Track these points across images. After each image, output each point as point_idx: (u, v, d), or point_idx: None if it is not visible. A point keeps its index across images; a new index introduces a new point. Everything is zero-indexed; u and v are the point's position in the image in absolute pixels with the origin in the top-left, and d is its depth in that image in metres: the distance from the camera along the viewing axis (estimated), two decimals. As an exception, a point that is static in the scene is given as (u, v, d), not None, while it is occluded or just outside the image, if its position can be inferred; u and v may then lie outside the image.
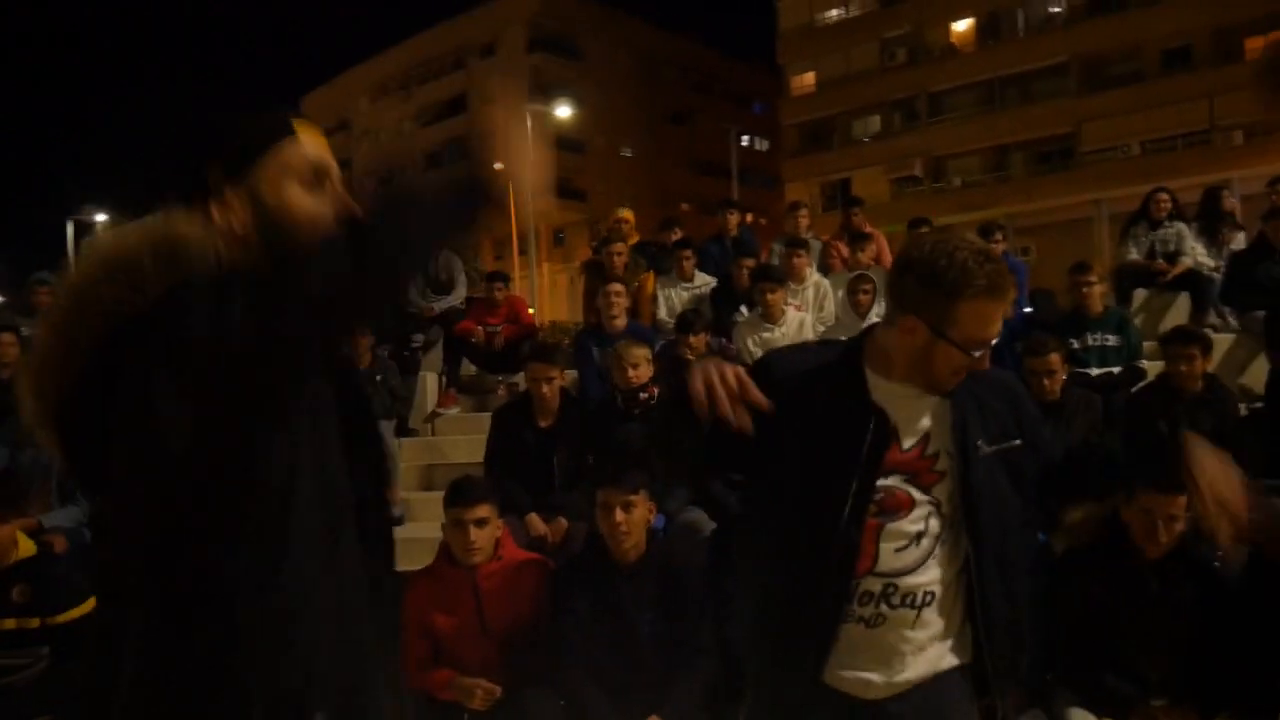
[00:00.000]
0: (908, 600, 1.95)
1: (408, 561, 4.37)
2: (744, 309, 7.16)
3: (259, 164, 1.27)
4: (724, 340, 6.83)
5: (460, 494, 3.62)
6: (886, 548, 1.95)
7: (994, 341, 2.08)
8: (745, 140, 44.79)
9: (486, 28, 47.01)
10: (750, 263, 7.55)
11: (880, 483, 1.94)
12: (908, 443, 1.97)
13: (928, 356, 1.90)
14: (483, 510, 3.58)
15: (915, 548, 1.96)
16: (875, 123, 38.02)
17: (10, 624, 3.57)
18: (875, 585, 1.95)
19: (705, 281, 7.83)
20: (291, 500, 1.21)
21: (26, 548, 3.71)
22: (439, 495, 6.27)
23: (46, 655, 3.59)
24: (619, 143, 47.73)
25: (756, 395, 1.80)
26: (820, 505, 1.93)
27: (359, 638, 1.32)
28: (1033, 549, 3.68)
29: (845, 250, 8.20)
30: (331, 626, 1.25)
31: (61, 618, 3.61)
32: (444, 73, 49.57)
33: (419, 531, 5.74)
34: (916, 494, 1.97)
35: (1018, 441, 2.02)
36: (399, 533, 5.63)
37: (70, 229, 29.69)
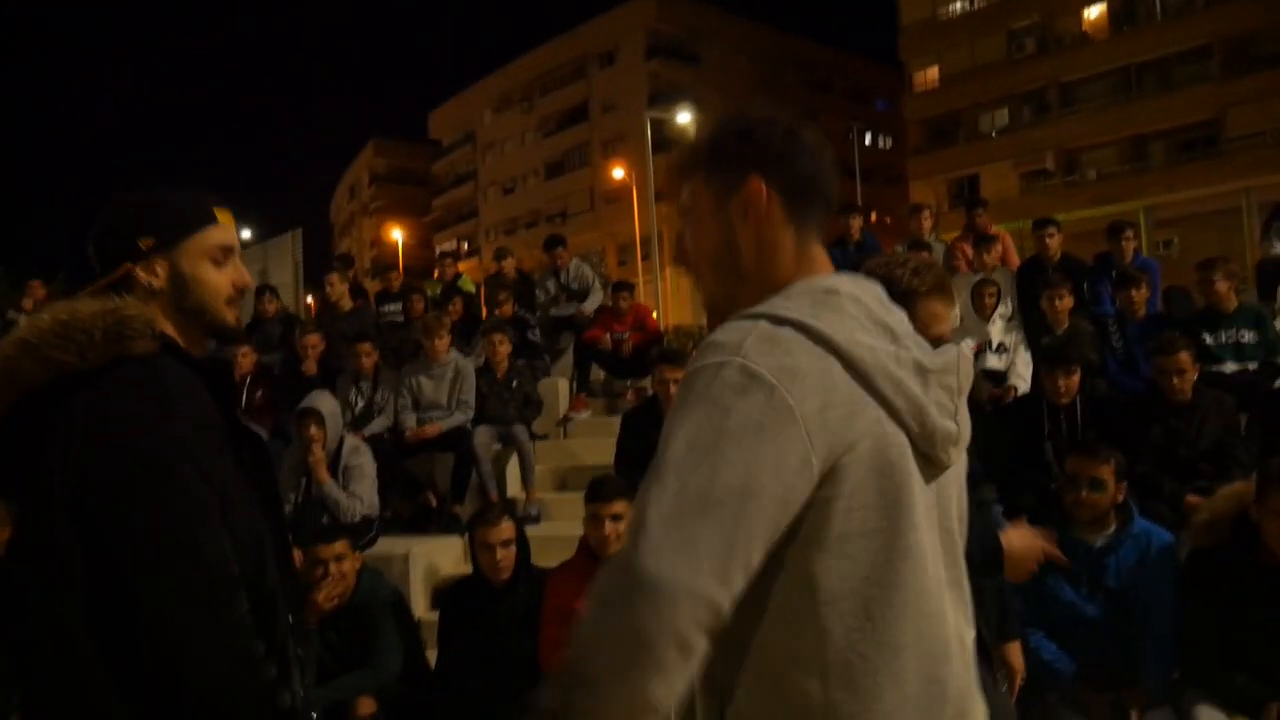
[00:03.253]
0: None
1: (546, 558, 4.62)
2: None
3: (185, 241, 1.67)
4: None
5: (598, 491, 3.87)
6: None
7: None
8: (869, 139, 44.16)
9: (606, 36, 47.69)
10: (873, 267, 7.55)
11: None
12: None
13: None
14: (618, 506, 3.82)
15: None
16: (1004, 116, 37.09)
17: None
18: None
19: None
20: None
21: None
22: (573, 496, 6.63)
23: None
24: (739, 146, 47.70)
25: None
26: None
27: None
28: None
29: (970, 252, 8.16)
30: None
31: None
32: (565, 83, 50.48)
33: (555, 530, 6.04)
34: None
35: None
36: (537, 530, 5.93)
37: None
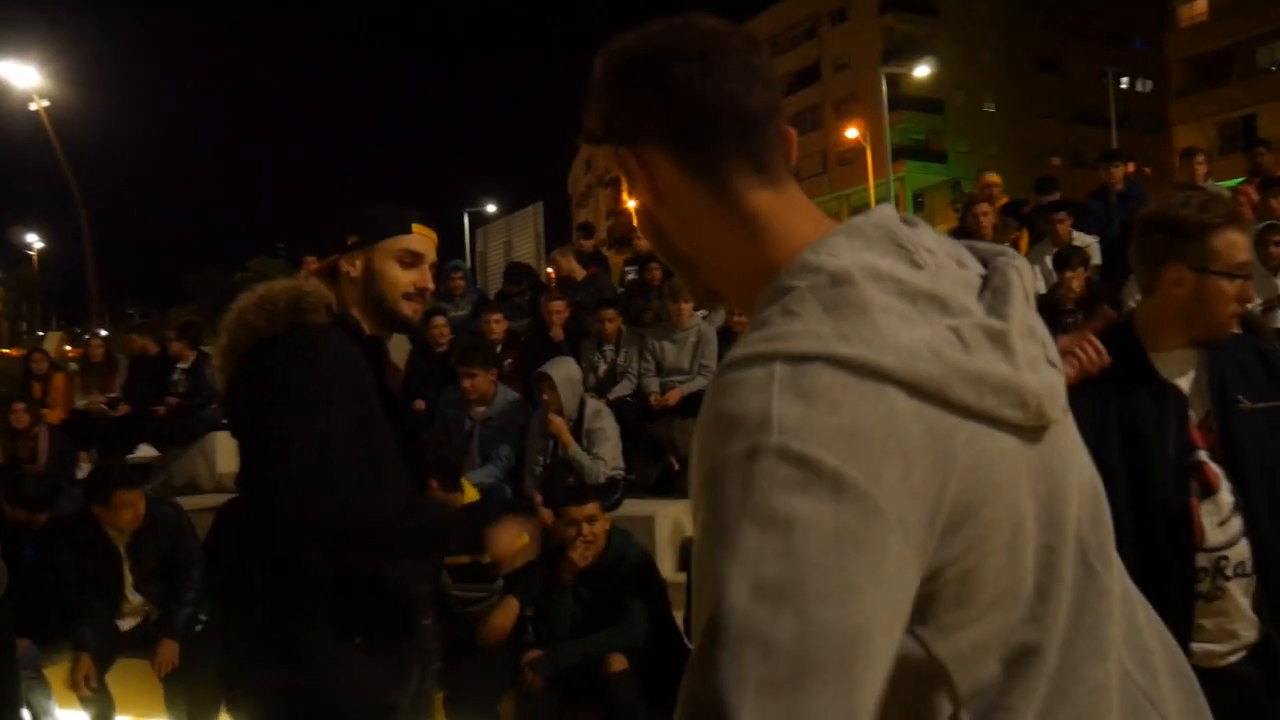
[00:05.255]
0: (1239, 570, 2.04)
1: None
2: (1133, 268, 6.68)
3: (380, 243, 2.11)
4: (1107, 306, 6.42)
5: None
6: (1210, 523, 2.04)
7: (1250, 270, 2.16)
8: (1125, 82, 40.82)
9: (838, -7, 46.54)
10: (1141, 218, 7.01)
11: (1193, 460, 2.06)
12: (1196, 416, 2.09)
13: (1201, 300, 2.04)
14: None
15: (1235, 519, 2.04)
16: (1286, 48, 33.36)
17: (464, 559, 4.22)
18: (1207, 561, 2.03)
19: (1086, 241, 7.38)
20: None
21: (472, 494, 4.37)
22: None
23: (500, 588, 4.21)
24: (981, 98, 45.43)
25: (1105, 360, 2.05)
26: (1145, 492, 2.02)
27: None
28: None
29: (1255, 196, 7.40)
30: None
31: (506, 556, 4.21)
32: (796, 43, 49.72)
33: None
34: (1217, 466, 2.06)
35: None
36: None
37: (466, 219, 33.04)
